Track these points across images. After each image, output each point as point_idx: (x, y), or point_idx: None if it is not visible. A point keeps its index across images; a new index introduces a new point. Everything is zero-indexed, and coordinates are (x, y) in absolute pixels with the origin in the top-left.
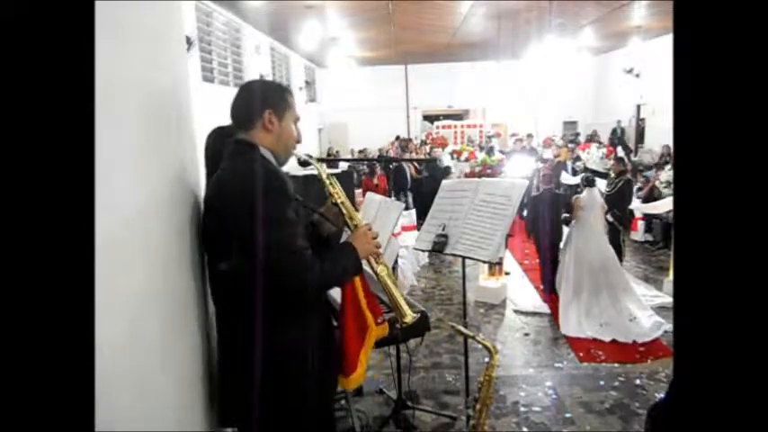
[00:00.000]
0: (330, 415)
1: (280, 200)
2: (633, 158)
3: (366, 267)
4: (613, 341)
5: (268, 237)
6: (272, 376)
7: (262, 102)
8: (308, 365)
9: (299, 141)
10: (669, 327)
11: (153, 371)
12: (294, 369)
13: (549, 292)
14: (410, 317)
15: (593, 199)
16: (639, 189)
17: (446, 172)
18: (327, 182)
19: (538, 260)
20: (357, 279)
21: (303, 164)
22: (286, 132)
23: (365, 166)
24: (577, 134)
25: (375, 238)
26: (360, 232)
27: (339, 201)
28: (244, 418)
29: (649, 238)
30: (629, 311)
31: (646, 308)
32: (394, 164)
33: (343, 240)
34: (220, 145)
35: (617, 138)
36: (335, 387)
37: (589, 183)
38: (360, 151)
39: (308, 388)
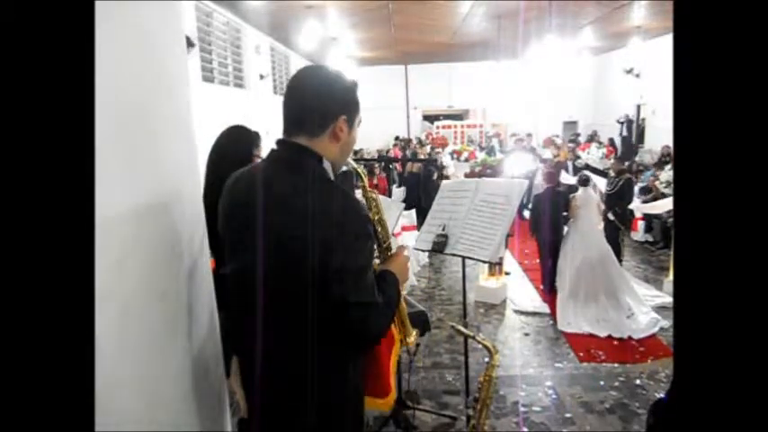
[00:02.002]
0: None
1: (367, 247)
2: (634, 158)
3: None
4: (609, 337)
5: (351, 287)
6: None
7: (338, 105)
8: (353, 390)
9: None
10: (665, 323)
11: (153, 371)
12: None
13: (550, 290)
14: (413, 337)
15: (589, 197)
16: (644, 189)
17: (440, 169)
18: (370, 195)
19: (538, 260)
20: None
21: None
22: (351, 142)
23: (364, 166)
24: (578, 134)
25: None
26: (402, 261)
27: (377, 217)
28: None
29: (649, 238)
30: (627, 307)
31: (643, 304)
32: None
33: (380, 265)
34: (235, 147)
35: (626, 128)
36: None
37: (584, 182)
38: (356, 152)
39: (345, 414)
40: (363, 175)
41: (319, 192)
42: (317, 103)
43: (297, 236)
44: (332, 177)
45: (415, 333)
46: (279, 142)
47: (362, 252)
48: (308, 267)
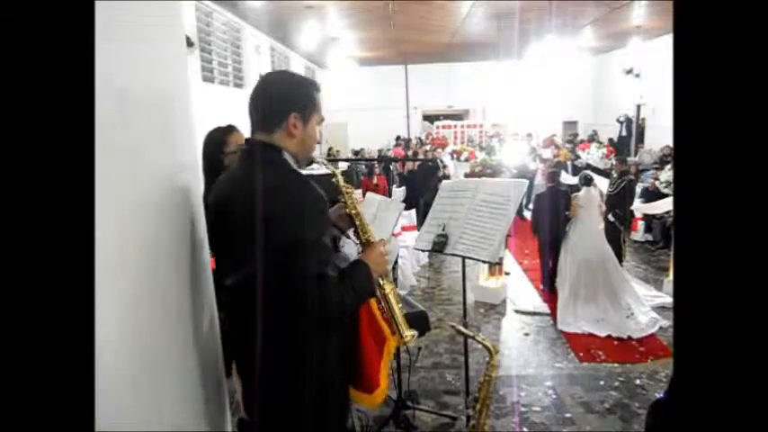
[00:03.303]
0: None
1: (319, 223)
2: (632, 158)
3: None
4: (609, 337)
5: (299, 262)
6: (289, 391)
7: (286, 103)
8: (326, 381)
9: (318, 143)
10: (665, 323)
11: (153, 370)
12: (311, 385)
13: (549, 289)
14: (410, 336)
15: (591, 197)
16: (645, 191)
17: (435, 167)
18: (344, 190)
19: (538, 260)
20: None
21: (309, 163)
22: (309, 137)
23: (364, 166)
24: (576, 135)
25: (387, 255)
26: (376, 252)
27: (353, 212)
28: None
29: (649, 238)
30: (627, 307)
31: (643, 304)
32: (429, 164)
33: (356, 257)
34: (206, 151)
35: (626, 127)
36: (348, 401)
37: (587, 181)
38: (356, 152)
39: (324, 404)
40: (337, 173)
41: (276, 176)
42: (270, 102)
43: (254, 215)
44: (294, 167)
45: (412, 334)
46: (246, 141)
47: (311, 226)
48: (265, 242)
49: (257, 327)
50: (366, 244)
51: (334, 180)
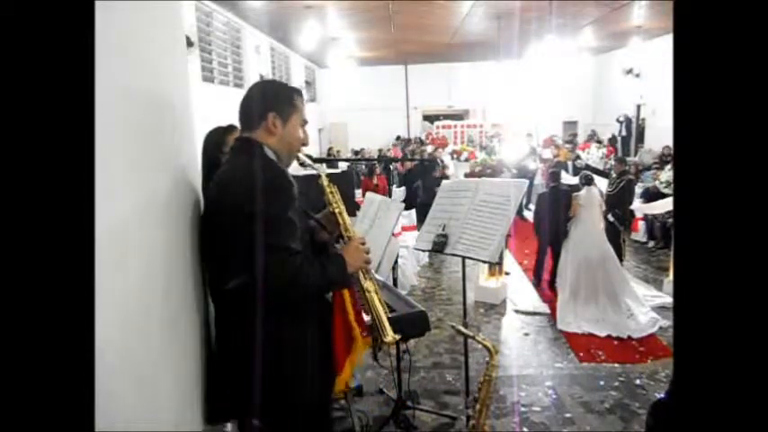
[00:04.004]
0: (326, 413)
1: (282, 198)
2: (632, 158)
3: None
4: (609, 337)
5: (265, 234)
6: (270, 373)
7: (266, 104)
8: (302, 363)
9: (305, 144)
10: (664, 323)
11: (153, 370)
12: (290, 367)
13: (538, 283)
14: (391, 337)
15: (592, 197)
16: (645, 192)
17: (432, 167)
18: (328, 190)
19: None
20: (346, 290)
21: (302, 164)
22: (290, 136)
23: (364, 166)
24: (575, 135)
25: (368, 253)
26: (352, 246)
27: (337, 210)
28: (240, 415)
29: (649, 238)
30: (627, 308)
31: (643, 304)
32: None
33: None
34: (206, 149)
35: (626, 127)
36: (332, 386)
37: (588, 181)
38: (356, 152)
39: (303, 386)
40: (322, 173)
41: (250, 163)
42: (251, 102)
43: (231, 199)
44: (272, 159)
45: (392, 335)
46: (235, 139)
47: (277, 202)
48: (243, 233)
49: (233, 306)
50: (348, 241)
51: (318, 180)
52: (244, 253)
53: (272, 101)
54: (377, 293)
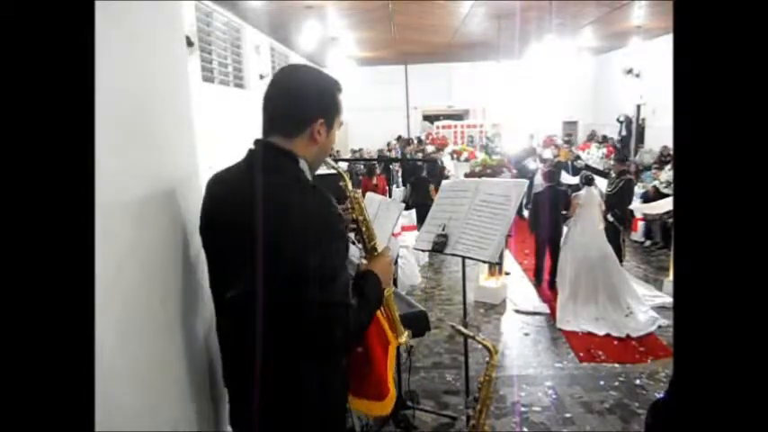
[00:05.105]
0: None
1: (340, 246)
2: (634, 158)
3: None
4: (608, 336)
5: (321, 290)
6: (292, 413)
7: (315, 108)
8: (331, 404)
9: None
10: (663, 322)
11: (153, 370)
12: (315, 408)
13: (539, 283)
14: (405, 337)
15: (592, 197)
16: (645, 194)
17: (421, 167)
18: (352, 194)
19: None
20: None
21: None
22: (330, 143)
23: (363, 167)
24: (570, 135)
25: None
26: (384, 262)
27: (360, 218)
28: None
29: (649, 238)
30: (626, 306)
31: (642, 303)
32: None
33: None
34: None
35: (626, 127)
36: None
37: (588, 181)
38: (355, 152)
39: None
40: (345, 176)
41: (293, 193)
42: (295, 104)
43: (270, 236)
44: (309, 177)
45: (407, 333)
46: (256, 142)
47: (332, 253)
48: (280, 268)
49: (257, 346)
50: (372, 251)
51: (342, 184)
52: (251, 266)
53: (321, 104)
54: (392, 298)
